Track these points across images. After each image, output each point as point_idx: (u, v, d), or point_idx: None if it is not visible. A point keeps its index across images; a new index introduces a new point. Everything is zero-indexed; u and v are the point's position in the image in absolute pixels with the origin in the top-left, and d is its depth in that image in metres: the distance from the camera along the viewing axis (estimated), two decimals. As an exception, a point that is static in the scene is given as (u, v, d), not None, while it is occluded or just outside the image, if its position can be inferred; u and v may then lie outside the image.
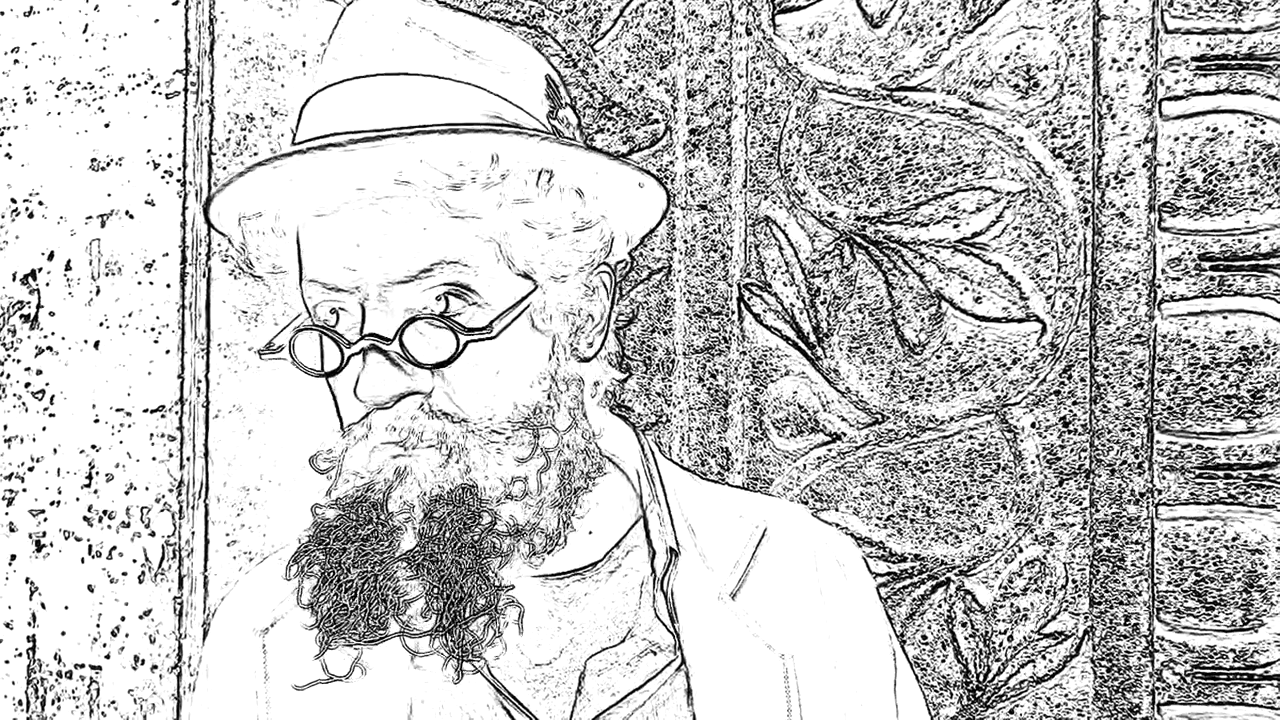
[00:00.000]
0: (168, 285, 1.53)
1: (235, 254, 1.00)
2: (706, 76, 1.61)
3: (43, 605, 1.55)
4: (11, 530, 1.56)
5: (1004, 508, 1.58)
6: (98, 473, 1.54)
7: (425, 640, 0.88)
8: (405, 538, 0.88)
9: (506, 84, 0.93)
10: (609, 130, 1.61)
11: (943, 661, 1.59)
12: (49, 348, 1.56)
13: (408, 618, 0.88)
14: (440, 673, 0.91)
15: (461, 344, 0.86)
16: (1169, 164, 1.54)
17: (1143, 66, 1.54)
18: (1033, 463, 1.57)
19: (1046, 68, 1.56)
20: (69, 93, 1.55)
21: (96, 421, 1.54)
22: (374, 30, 0.92)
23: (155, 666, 1.53)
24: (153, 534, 1.53)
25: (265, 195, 0.90)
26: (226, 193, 0.92)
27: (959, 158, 1.57)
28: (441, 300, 0.88)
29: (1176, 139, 1.54)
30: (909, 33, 1.58)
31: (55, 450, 1.55)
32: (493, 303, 0.89)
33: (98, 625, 1.54)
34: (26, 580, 1.56)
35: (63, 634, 1.55)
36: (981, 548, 1.58)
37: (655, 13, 1.61)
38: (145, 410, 1.53)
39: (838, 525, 1.55)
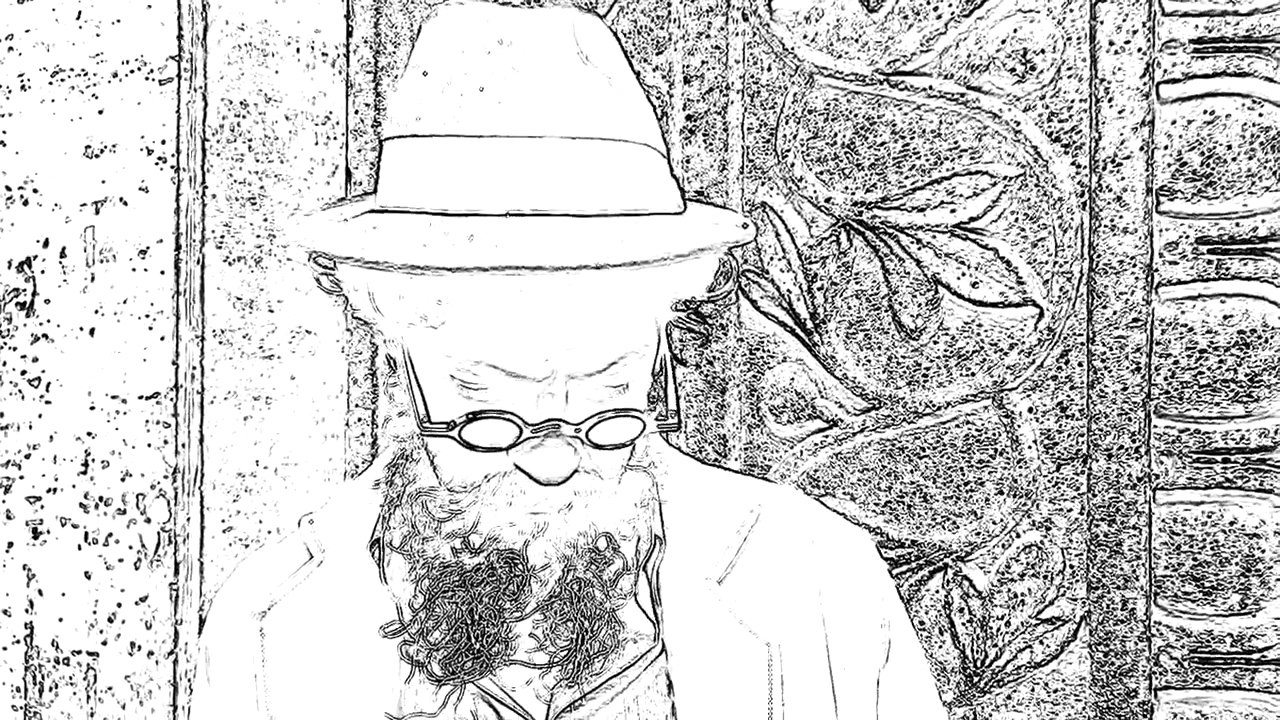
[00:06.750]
0: (162, 272, 1.53)
1: (319, 275, 0.96)
2: (703, 62, 1.60)
3: (40, 592, 1.55)
4: (8, 517, 1.56)
5: (1001, 493, 1.58)
6: (94, 459, 1.54)
7: (536, 672, 0.92)
8: (540, 587, 0.90)
9: (641, 118, 0.92)
10: (605, 116, 1.61)
11: (940, 647, 1.59)
12: (44, 335, 1.56)
13: (522, 655, 0.91)
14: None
15: (653, 429, 0.91)
16: (1166, 147, 1.54)
17: (1140, 49, 1.54)
18: (1030, 448, 1.57)
19: (1043, 51, 1.55)
20: (63, 80, 1.54)
21: (92, 408, 1.54)
22: (520, 55, 0.88)
23: (152, 652, 1.53)
24: (148, 520, 1.53)
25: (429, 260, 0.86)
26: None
27: (956, 142, 1.57)
28: (617, 379, 0.89)
29: (1174, 122, 1.54)
30: (905, 17, 1.58)
31: (51, 437, 1.55)
32: (644, 371, 0.91)
33: (94, 612, 1.54)
34: (24, 567, 1.56)
35: (60, 620, 1.55)
36: (979, 533, 1.58)
37: (651, -2, 1.61)
38: (140, 397, 1.53)
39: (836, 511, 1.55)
